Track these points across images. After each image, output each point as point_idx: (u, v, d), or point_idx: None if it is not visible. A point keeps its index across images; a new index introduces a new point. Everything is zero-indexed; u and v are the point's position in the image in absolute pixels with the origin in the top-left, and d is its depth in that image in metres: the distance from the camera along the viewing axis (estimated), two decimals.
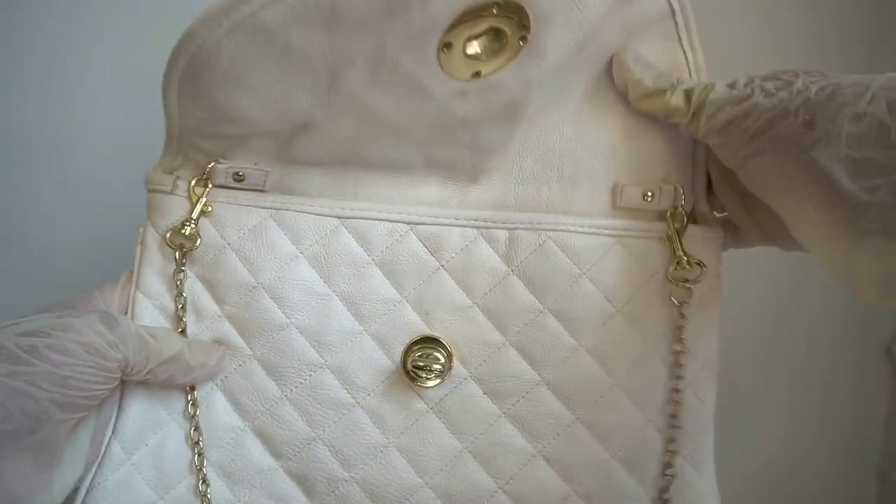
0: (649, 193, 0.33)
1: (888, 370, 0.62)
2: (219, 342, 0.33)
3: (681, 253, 0.32)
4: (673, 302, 0.33)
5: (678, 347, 0.33)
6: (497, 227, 0.33)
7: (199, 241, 0.33)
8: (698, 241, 0.33)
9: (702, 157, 0.33)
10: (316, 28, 0.28)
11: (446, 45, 0.29)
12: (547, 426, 0.32)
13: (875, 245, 0.25)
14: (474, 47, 0.29)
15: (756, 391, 0.62)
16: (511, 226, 0.33)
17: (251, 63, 0.29)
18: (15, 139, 0.51)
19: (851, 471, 0.64)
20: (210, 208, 0.33)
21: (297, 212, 0.33)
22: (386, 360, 0.33)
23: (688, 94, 0.30)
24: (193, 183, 0.33)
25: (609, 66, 0.33)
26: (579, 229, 0.33)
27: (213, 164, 0.33)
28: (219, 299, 0.33)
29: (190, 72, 0.29)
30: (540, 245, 0.33)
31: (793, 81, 0.27)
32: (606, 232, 0.33)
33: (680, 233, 0.33)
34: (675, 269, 0.33)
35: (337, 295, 0.33)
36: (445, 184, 0.34)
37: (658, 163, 0.34)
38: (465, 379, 0.33)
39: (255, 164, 0.33)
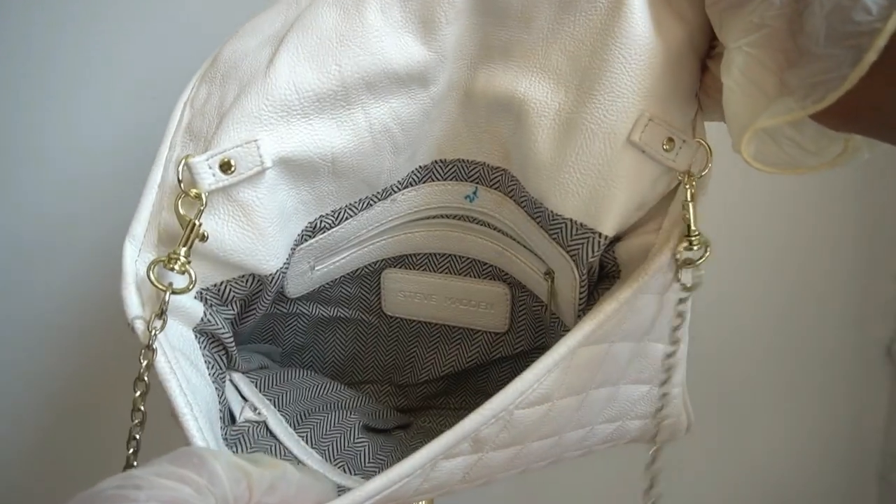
0: (671, 141, 0.27)
1: (888, 370, 0.62)
2: None
3: (694, 227, 0.27)
4: (678, 291, 0.29)
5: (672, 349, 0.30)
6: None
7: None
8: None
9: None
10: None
11: None
12: None
13: (785, 104, 0.23)
14: None
15: (756, 392, 0.62)
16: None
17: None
18: (13, 141, 0.51)
19: (851, 471, 0.64)
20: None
21: None
22: None
23: None
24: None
25: None
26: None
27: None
28: None
29: None
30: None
31: None
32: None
33: (694, 203, 0.28)
34: (687, 247, 0.28)
35: None
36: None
37: (688, 104, 0.28)
38: None
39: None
